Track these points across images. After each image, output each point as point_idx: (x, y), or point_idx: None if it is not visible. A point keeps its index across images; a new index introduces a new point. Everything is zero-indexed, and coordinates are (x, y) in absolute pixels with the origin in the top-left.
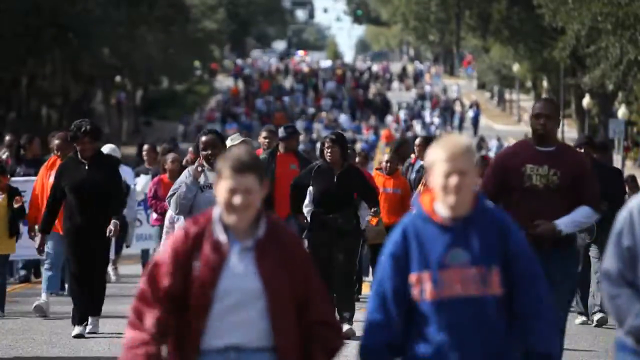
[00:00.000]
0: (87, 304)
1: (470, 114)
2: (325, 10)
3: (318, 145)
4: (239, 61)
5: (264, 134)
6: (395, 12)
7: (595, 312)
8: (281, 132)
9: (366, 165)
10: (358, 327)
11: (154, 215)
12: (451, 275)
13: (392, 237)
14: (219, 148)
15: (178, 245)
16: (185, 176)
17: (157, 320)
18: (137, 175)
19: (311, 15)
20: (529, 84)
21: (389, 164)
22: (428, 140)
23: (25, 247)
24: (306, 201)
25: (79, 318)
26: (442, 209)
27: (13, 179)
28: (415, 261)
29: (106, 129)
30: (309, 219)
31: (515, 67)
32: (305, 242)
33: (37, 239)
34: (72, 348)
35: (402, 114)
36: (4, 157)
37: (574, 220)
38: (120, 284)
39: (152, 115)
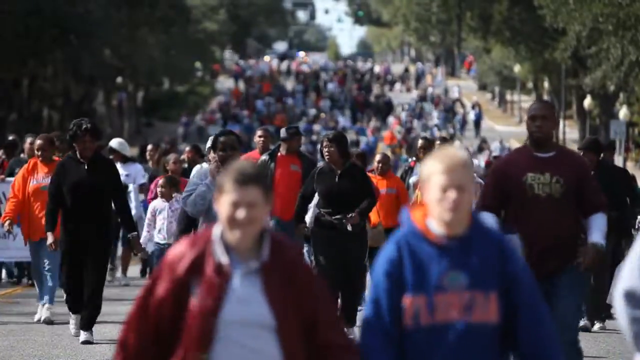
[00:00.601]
0: (81, 299)
1: (471, 115)
2: (327, 11)
3: (319, 147)
4: (241, 62)
5: (259, 133)
6: (397, 13)
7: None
8: (283, 133)
9: (364, 167)
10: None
11: None
12: (448, 300)
13: (386, 254)
14: (237, 150)
15: (174, 269)
16: (198, 177)
17: (143, 351)
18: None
19: (312, 16)
20: (530, 85)
21: (380, 165)
22: (430, 142)
23: (17, 249)
24: (313, 201)
25: (74, 308)
26: (436, 226)
27: (8, 178)
28: (410, 282)
29: (107, 130)
30: (314, 219)
31: (517, 68)
32: (306, 255)
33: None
34: (73, 349)
35: (404, 115)
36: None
37: (602, 230)
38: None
39: (153, 116)
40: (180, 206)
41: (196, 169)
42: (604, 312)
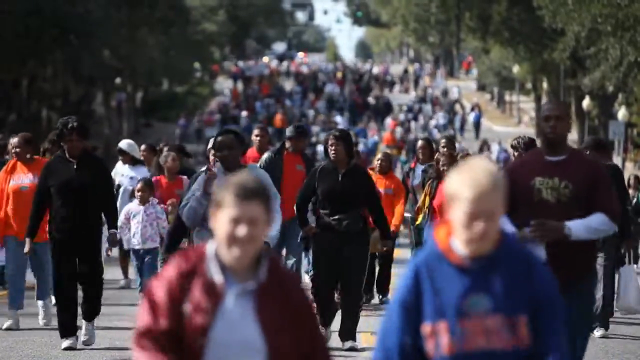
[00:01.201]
0: (75, 314)
1: (471, 116)
2: (325, 12)
3: (318, 148)
4: (240, 63)
5: (256, 132)
6: (395, 14)
7: (595, 327)
8: (290, 130)
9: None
10: (359, 337)
11: None
12: (472, 326)
13: (403, 281)
14: (235, 149)
15: (170, 283)
16: (198, 184)
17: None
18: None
19: (311, 17)
20: (529, 85)
21: (381, 162)
22: (430, 143)
23: None
24: (313, 199)
25: (66, 329)
26: (460, 246)
27: None
28: (429, 309)
29: (106, 130)
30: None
31: (515, 69)
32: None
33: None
34: (72, 351)
35: (402, 116)
36: None
37: (586, 225)
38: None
39: (152, 117)
40: (155, 211)
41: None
42: (607, 319)
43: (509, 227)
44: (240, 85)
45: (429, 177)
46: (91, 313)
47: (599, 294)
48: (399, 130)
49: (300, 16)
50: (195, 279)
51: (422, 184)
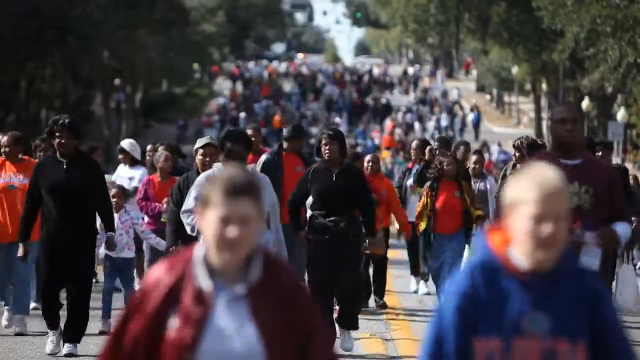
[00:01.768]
0: (58, 311)
1: (470, 117)
2: (325, 13)
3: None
4: (239, 63)
5: (249, 132)
6: (395, 15)
7: None
8: (288, 131)
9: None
10: (359, 340)
11: (145, 219)
12: (528, 346)
13: (458, 286)
14: (245, 148)
15: (149, 301)
16: (196, 189)
17: None
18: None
19: (310, 18)
20: (528, 86)
21: (370, 164)
22: (425, 143)
23: None
24: (308, 200)
25: (52, 323)
26: (520, 258)
27: None
28: (483, 321)
29: (105, 131)
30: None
31: (515, 70)
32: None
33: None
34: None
35: (399, 117)
36: None
37: (624, 232)
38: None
39: (151, 118)
40: (130, 217)
41: (203, 175)
42: None
43: None
44: (239, 87)
45: (428, 177)
46: (76, 335)
47: None
48: (398, 132)
49: (300, 17)
50: (182, 287)
51: (419, 181)
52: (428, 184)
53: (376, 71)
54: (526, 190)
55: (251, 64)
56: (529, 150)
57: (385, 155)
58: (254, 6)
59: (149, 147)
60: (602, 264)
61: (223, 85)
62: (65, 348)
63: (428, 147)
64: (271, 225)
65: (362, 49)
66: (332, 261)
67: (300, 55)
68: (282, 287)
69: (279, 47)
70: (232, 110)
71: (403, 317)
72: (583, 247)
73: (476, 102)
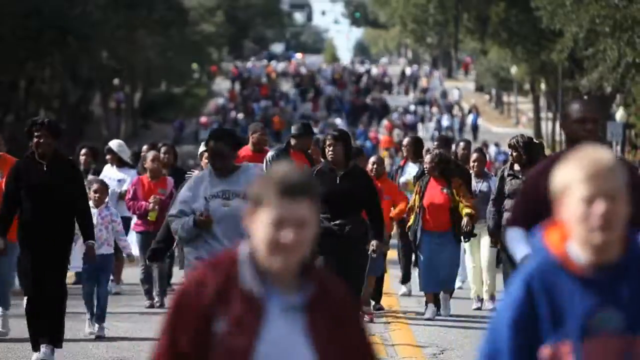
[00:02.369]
0: (44, 325)
1: (469, 118)
2: (324, 13)
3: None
4: (238, 64)
5: (257, 129)
6: (394, 15)
7: None
8: (297, 128)
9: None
10: None
11: (134, 220)
12: (602, 347)
13: (512, 296)
14: (229, 145)
15: (194, 310)
16: (188, 189)
17: None
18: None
19: (309, 17)
20: (527, 86)
21: (375, 166)
22: (417, 141)
23: None
24: None
25: (36, 341)
26: (580, 252)
27: None
28: (548, 328)
29: (104, 131)
30: None
31: (514, 70)
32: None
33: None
34: (70, 351)
35: (395, 117)
36: None
37: None
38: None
39: (150, 118)
40: (110, 213)
41: (192, 179)
42: None
43: (522, 240)
44: (238, 87)
45: (416, 175)
46: (55, 338)
47: None
48: (397, 132)
49: (299, 17)
50: (229, 291)
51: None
52: (418, 181)
53: (375, 71)
54: (571, 173)
55: (249, 64)
56: (525, 149)
57: (384, 156)
58: (252, 6)
59: (144, 147)
60: None
61: (222, 85)
62: (42, 353)
63: (425, 148)
64: None
65: (360, 49)
66: (339, 264)
67: (298, 55)
68: (336, 303)
69: (277, 47)
70: (231, 110)
71: (402, 318)
72: None
73: (475, 102)
